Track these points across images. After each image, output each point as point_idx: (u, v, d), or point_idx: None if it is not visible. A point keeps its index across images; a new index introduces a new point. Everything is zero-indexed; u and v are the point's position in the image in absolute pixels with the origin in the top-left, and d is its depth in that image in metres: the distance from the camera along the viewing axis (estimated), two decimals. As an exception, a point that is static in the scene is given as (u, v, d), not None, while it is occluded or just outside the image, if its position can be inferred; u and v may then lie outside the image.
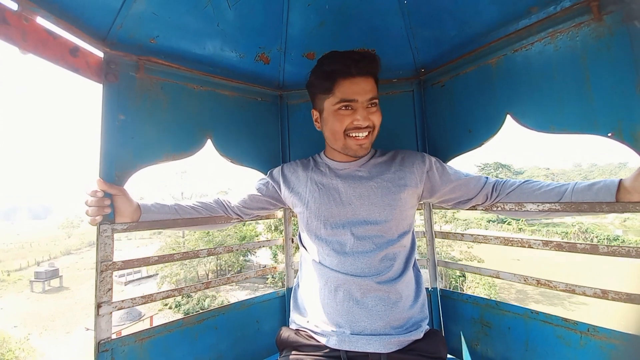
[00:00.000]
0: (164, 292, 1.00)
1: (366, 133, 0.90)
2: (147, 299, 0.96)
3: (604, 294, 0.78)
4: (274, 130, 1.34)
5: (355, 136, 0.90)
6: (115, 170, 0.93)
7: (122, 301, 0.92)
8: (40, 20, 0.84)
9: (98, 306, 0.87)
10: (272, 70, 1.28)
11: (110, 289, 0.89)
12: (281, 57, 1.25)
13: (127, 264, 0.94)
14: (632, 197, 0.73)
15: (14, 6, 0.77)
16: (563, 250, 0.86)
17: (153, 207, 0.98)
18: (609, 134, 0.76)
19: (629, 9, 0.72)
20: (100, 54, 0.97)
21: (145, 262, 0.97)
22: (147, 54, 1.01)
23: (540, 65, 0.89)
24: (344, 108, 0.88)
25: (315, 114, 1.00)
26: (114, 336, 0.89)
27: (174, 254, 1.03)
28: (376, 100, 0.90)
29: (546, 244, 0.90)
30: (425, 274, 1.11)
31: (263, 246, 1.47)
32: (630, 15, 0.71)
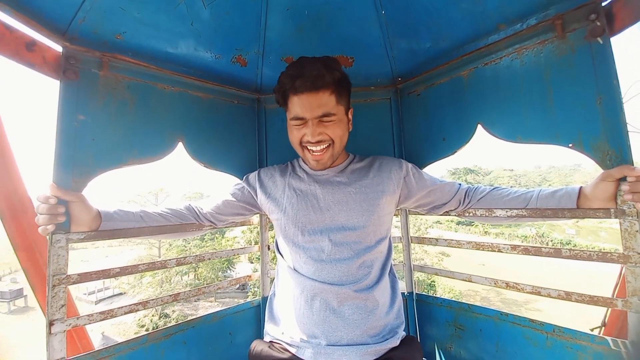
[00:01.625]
0: (126, 306, 0.92)
1: (321, 147, 0.89)
2: (107, 314, 0.88)
3: (567, 296, 0.82)
4: (251, 134, 1.31)
5: (311, 150, 0.90)
6: (72, 175, 0.85)
7: (78, 318, 0.83)
8: (-1, 15, 0.78)
9: (50, 324, 0.78)
10: (249, 73, 1.25)
11: (64, 305, 0.81)
12: (259, 60, 1.22)
13: (84, 277, 0.86)
14: (592, 203, 0.78)
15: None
16: (529, 254, 0.90)
17: (116, 215, 0.91)
18: (570, 145, 0.81)
19: (592, 26, 0.77)
20: (59, 49, 0.89)
21: (105, 274, 0.89)
22: (112, 50, 0.95)
23: (508, 78, 0.94)
24: (295, 124, 0.89)
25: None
26: (68, 356, 0.80)
27: (138, 264, 0.96)
28: (331, 114, 0.86)
29: (514, 248, 0.94)
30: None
31: (237, 254, 1.41)
32: (593, 33, 0.77)
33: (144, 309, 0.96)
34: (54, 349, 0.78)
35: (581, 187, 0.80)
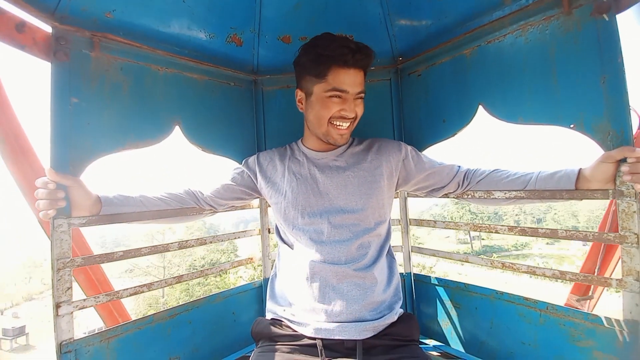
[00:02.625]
0: (131, 288, 0.95)
1: (349, 123, 0.91)
2: (112, 296, 0.90)
3: (562, 275, 0.84)
4: (249, 117, 1.29)
5: (339, 125, 0.91)
6: (69, 159, 0.84)
7: (84, 300, 0.85)
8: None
9: (57, 306, 0.80)
10: (245, 54, 1.22)
11: (70, 288, 0.83)
12: (255, 39, 1.18)
13: (89, 261, 0.87)
14: (591, 184, 0.78)
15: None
16: (526, 235, 0.92)
17: (115, 200, 0.91)
18: (571, 125, 0.80)
19: (598, 2, 0.74)
20: (49, 29, 0.86)
21: (110, 257, 0.91)
22: (103, 29, 0.91)
23: (511, 57, 0.91)
24: (334, 96, 0.88)
25: (299, 94, 0.97)
26: (77, 336, 0.83)
27: (142, 248, 0.97)
28: (363, 94, 0.92)
29: (511, 229, 0.95)
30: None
31: (238, 237, 1.43)
32: (599, 9, 0.74)
33: (149, 290, 0.99)
34: (62, 330, 0.80)
35: (580, 168, 0.80)
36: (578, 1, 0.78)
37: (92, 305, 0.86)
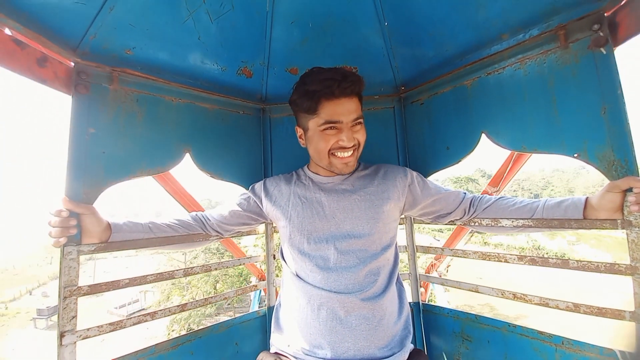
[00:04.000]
0: (135, 317, 0.93)
1: (351, 152, 0.91)
2: (116, 326, 0.89)
3: (575, 308, 0.82)
4: (256, 144, 1.32)
5: (341, 156, 0.91)
6: (83, 187, 0.87)
7: (88, 329, 0.84)
8: (9, 31, 0.80)
9: (61, 336, 0.79)
10: (254, 84, 1.27)
11: (75, 317, 0.82)
12: (264, 71, 1.24)
13: (95, 289, 0.87)
14: (598, 214, 0.77)
15: (-21, 17, 0.72)
16: (536, 265, 0.90)
17: (125, 226, 0.92)
18: (575, 155, 0.80)
19: (595, 36, 0.77)
20: (71, 65, 0.92)
21: (115, 285, 0.91)
22: (122, 65, 0.97)
23: (512, 88, 0.94)
24: (329, 129, 0.88)
25: (299, 130, 1.00)
26: (78, 368, 0.81)
27: (147, 275, 0.97)
28: (361, 120, 0.91)
29: (520, 258, 0.93)
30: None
31: (242, 263, 1.42)
32: (596, 43, 0.77)
33: (152, 319, 0.97)
34: None
35: (587, 197, 0.80)
36: (575, 35, 0.81)
37: (95, 335, 0.85)
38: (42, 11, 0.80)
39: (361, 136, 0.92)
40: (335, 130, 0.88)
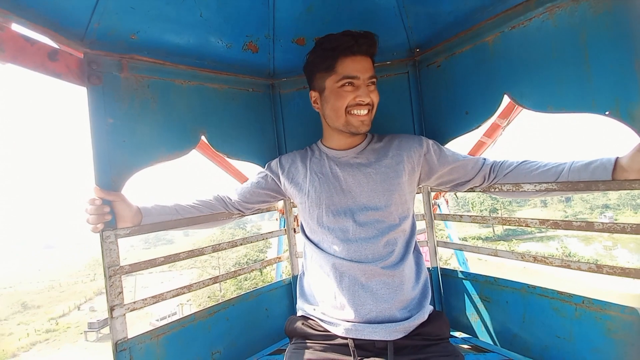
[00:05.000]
0: (174, 290, 1.03)
1: (367, 110, 0.92)
2: (158, 298, 0.98)
3: (598, 268, 0.81)
4: (268, 121, 1.32)
5: (357, 113, 0.92)
6: (111, 175, 0.92)
7: (134, 302, 0.94)
8: (16, 27, 0.80)
9: (111, 309, 0.89)
10: (261, 59, 1.23)
11: (121, 292, 0.91)
12: (270, 44, 1.20)
13: (135, 267, 0.95)
14: (629, 175, 0.74)
15: (-15, 15, 0.72)
16: (559, 228, 0.89)
17: (153, 210, 0.98)
18: (607, 113, 0.75)
19: None
20: (81, 56, 0.92)
21: (152, 263, 0.99)
22: (129, 51, 0.97)
23: (539, 42, 0.86)
24: (346, 84, 0.90)
25: (313, 95, 1.00)
26: (130, 335, 0.92)
27: (180, 253, 1.05)
28: (375, 80, 0.93)
29: (543, 222, 0.92)
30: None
31: (265, 238, 1.50)
32: None
33: (189, 291, 1.06)
34: (117, 330, 0.89)
35: (617, 157, 0.76)
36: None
37: (141, 307, 0.95)
38: (44, 3, 0.79)
39: (375, 97, 0.94)
40: (352, 87, 0.90)
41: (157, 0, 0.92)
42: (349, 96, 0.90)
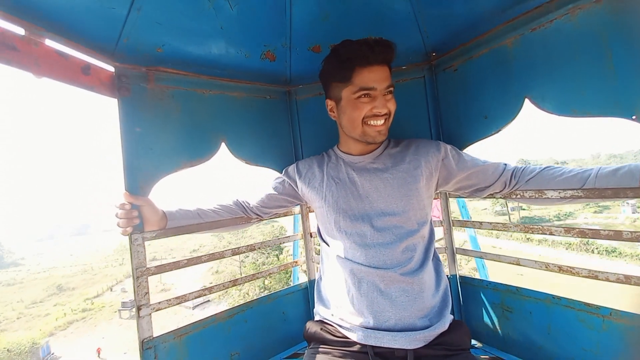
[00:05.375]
0: (196, 291, 1.07)
1: (383, 120, 0.92)
2: (181, 299, 1.03)
3: (627, 279, 0.78)
4: (285, 127, 1.35)
5: (374, 124, 0.91)
6: (139, 182, 0.97)
7: (159, 303, 0.99)
8: (49, 43, 0.86)
9: (138, 309, 0.94)
10: (278, 67, 1.27)
11: (147, 293, 0.96)
12: (287, 53, 1.23)
13: (160, 269, 1.00)
14: None
15: (21, 31, 0.77)
16: (586, 237, 0.85)
17: (178, 214, 1.03)
18: (633, 117, 0.72)
19: None
20: (111, 69, 0.99)
21: (176, 265, 1.03)
22: (155, 63, 1.02)
23: (560, 44, 0.84)
24: (363, 96, 0.89)
25: (330, 103, 1.00)
26: (155, 334, 0.96)
27: (202, 255, 1.09)
28: (392, 89, 0.92)
29: (568, 231, 0.89)
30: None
31: (283, 242, 1.53)
32: None
33: (210, 293, 1.10)
34: (143, 329, 0.94)
35: None
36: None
37: (165, 308, 0.99)
38: (77, 20, 0.84)
39: (392, 105, 0.92)
40: (369, 98, 0.89)
41: (181, 15, 0.97)
42: (366, 107, 0.89)
